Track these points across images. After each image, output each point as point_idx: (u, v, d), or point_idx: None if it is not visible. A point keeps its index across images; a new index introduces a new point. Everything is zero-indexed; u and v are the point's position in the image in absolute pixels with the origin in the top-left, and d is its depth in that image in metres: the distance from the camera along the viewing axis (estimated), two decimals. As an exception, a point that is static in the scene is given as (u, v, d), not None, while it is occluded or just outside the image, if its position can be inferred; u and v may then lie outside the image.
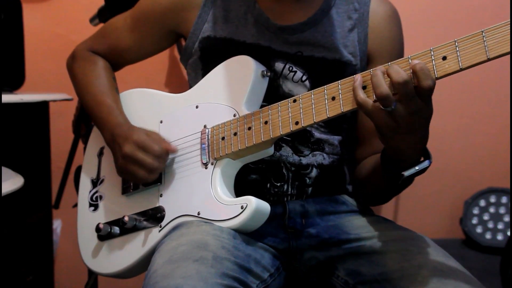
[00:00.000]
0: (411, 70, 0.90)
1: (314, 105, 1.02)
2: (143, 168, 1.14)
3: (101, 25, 1.67)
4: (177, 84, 2.07)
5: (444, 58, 0.89)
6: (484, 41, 0.85)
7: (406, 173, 0.99)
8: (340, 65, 1.19)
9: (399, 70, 0.90)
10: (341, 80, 0.99)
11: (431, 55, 0.90)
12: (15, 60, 1.79)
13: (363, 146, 1.25)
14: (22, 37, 1.80)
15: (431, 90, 0.90)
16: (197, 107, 1.20)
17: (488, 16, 1.98)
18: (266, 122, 1.08)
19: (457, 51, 0.88)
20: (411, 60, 0.92)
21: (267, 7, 1.21)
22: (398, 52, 1.24)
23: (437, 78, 0.90)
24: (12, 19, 1.77)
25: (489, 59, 0.85)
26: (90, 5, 1.83)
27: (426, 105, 0.92)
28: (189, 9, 1.25)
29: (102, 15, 1.71)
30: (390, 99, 0.91)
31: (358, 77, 0.96)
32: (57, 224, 2.12)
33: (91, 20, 1.76)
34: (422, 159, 1.01)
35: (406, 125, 0.93)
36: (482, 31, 0.86)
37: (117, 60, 1.37)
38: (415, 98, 0.90)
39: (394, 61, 0.94)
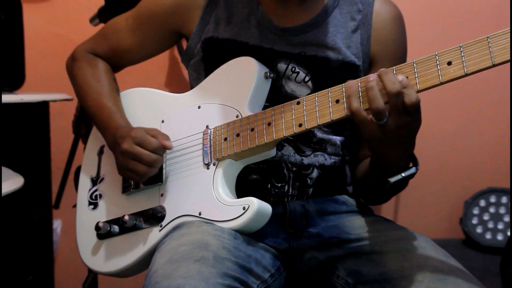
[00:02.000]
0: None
1: (318, 107, 1.02)
2: (142, 162, 1.14)
3: (101, 25, 1.67)
4: (177, 84, 2.07)
5: (449, 63, 0.89)
6: (490, 47, 0.85)
7: (392, 179, 1.01)
8: (343, 66, 1.18)
9: (394, 81, 0.91)
10: (345, 83, 0.99)
11: (436, 60, 0.90)
12: (15, 60, 1.78)
13: (365, 147, 1.25)
14: (22, 37, 1.80)
15: (414, 106, 0.92)
16: (199, 107, 1.20)
17: (491, 18, 1.97)
18: (269, 124, 1.07)
19: (462, 56, 0.88)
20: (394, 72, 0.93)
21: (270, 9, 1.21)
22: (401, 54, 1.23)
23: (442, 83, 0.90)
24: (12, 19, 1.77)
25: (494, 65, 0.85)
26: (90, 5, 1.83)
27: (414, 120, 0.94)
28: (192, 10, 1.25)
29: (102, 15, 1.71)
30: (384, 113, 0.93)
31: (353, 84, 0.97)
32: (57, 224, 2.12)
33: (91, 20, 1.76)
34: (410, 164, 1.02)
35: (394, 138, 0.95)
36: (488, 37, 0.86)
37: (117, 61, 1.36)
38: (403, 112, 0.92)
39: (398, 65, 0.94)
